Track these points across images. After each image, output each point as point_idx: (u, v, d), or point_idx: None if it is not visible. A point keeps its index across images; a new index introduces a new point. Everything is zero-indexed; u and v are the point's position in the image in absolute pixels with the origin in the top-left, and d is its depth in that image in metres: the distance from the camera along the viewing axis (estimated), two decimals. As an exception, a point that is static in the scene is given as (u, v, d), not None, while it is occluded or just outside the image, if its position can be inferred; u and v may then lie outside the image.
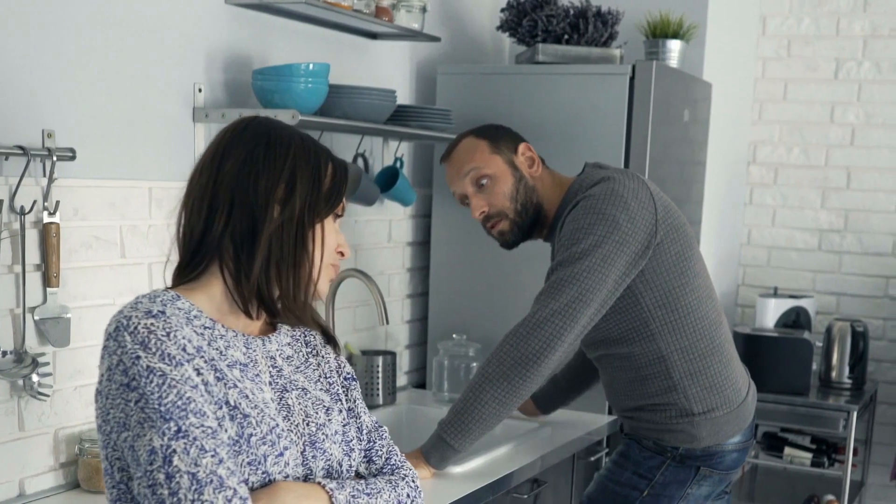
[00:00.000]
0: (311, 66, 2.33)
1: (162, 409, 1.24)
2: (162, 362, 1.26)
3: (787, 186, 4.22)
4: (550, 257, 2.49)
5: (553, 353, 2.14)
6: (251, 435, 1.32)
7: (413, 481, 1.53)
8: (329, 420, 1.46)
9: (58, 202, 1.99)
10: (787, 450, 3.79)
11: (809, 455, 3.76)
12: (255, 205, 1.36)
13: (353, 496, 1.41)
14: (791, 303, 3.93)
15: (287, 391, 1.44)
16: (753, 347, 3.56)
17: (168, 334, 1.28)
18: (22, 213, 1.93)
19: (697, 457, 2.28)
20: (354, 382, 1.56)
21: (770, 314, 3.90)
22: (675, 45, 3.20)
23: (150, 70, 2.20)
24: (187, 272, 1.40)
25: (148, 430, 1.24)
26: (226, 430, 1.30)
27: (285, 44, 2.58)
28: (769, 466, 4.03)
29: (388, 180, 2.92)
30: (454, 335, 3.00)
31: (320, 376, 1.51)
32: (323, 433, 1.44)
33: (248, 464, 1.31)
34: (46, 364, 1.99)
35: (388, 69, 3.02)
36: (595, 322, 2.19)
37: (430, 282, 3.22)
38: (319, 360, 1.52)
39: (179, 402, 1.25)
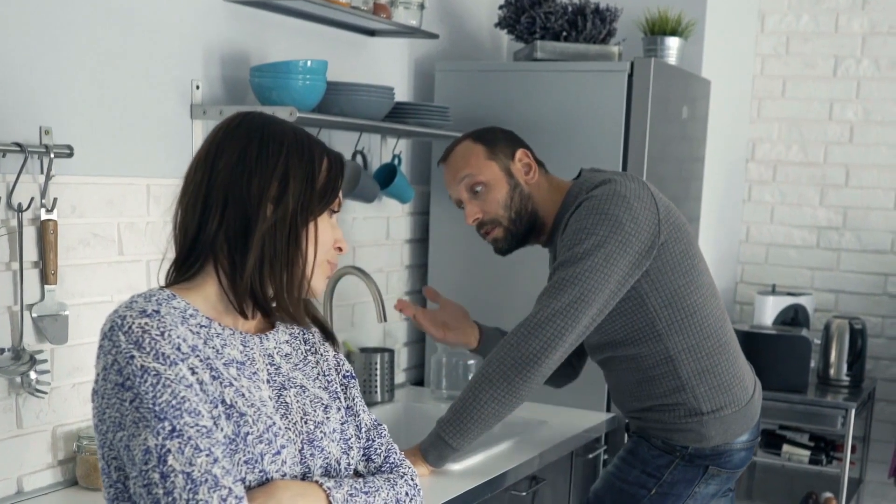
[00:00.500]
0: (308, 62, 2.33)
1: (156, 408, 1.24)
2: (156, 362, 1.26)
3: (785, 184, 4.22)
4: (550, 264, 2.48)
5: (554, 354, 2.13)
6: (248, 433, 1.32)
7: (412, 479, 1.53)
8: (327, 418, 1.45)
9: (55, 199, 1.99)
10: (786, 447, 3.79)
11: (808, 452, 3.76)
12: (248, 204, 1.35)
13: (350, 495, 1.40)
14: (789, 300, 3.93)
15: (285, 389, 1.43)
16: (752, 345, 3.55)
17: (162, 333, 1.28)
18: (19, 210, 1.93)
19: (706, 456, 2.28)
20: (353, 380, 1.55)
21: (768, 312, 3.90)
22: (673, 42, 3.20)
23: (147, 67, 2.20)
24: (183, 271, 1.40)
25: (143, 430, 1.24)
26: (221, 429, 1.29)
27: (283, 40, 2.58)
28: (767, 464, 4.03)
29: (386, 177, 2.91)
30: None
31: (319, 374, 1.50)
32: (321, 431, 1.43)
33: (245, 462, 1.31)
34: (44, 361, 1.98)
35: (386, 66, 3.02)
36: (597, 322, 2.18)
37: (429, 279, 3.22)
38: (318, 358, 1.52)
39: (174, 402, 1.25)
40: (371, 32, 2.89)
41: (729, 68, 3.85)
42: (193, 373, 1.29)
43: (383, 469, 1.53)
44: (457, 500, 2.12)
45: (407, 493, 1.49)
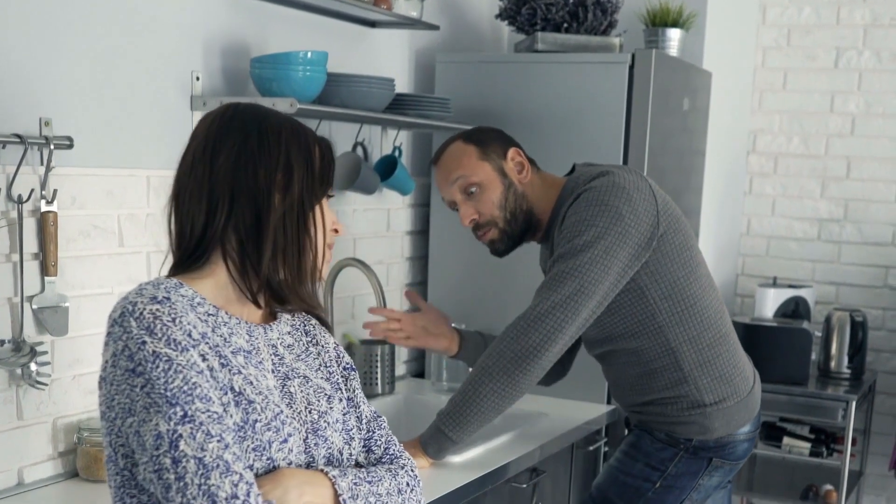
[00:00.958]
0: (309, 54, 2.32)
1: (168, 394, 1.24)
2: (168, 347, 1.26)
3: (786, 176, 4.21)
4: (541, 258, 2.47)
5: (553, 347, 2.13)
6: (256, 421, 1.32)
7: (412, 470, 1.53)
8: (330, 408, 1.46)
9: (55, 191, 1.98)
10: (786, 439, 3.79)
11: (808, 445, 3.76)
12: (257, 195, 1.36)
13: (355, 483, 1.41)
14: (790, 292, 3.92)
15: (289, 379, 1.44)
16: (752, 337, 3.56)
17: (174, 320, 1.28)
18: (19, 201, 1.92)
19: (710, 448, 2.28)
20: (354, 372, 1.56)
21: (769, 304, 3.90)
22: (674, 34, 3.19)
23: (147, 58, 2.19)
24: (188, 265, 1.40)
25: (154, 415, 1.24)
26: (231, 416, 1.30)
27: (283, 32, 2.57)
28: (768, 456, 4.03)
29: (386, 169, 2.91)
30: (453, 325, 3.00)
31: (321, 365, 1.51)
32: (325, 421, 1.44)
33: (253, 450, 1.32)
34: (45, 353, 1.98)
35: (387, 57, 3.01)
36: (597, 315, 2.18)
37: (429, 271, 3.21)
38: (319, 350, 1.53)
39: (185, 388, 1.25)
40: (372, 24, 2.88)
41: (730, 60, 3.84)
42: (204, 359, 1.30)
43: (383, 460, 1.54)
44: (457, 492, 2.12)
45: (408, 484, 1.50)
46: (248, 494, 1.24)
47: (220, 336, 1.36)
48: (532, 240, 2.40)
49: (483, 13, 3.45)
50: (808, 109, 4.15)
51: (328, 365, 1.52)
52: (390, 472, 1.49)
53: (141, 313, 1.27)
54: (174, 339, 1.27)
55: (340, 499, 1.38)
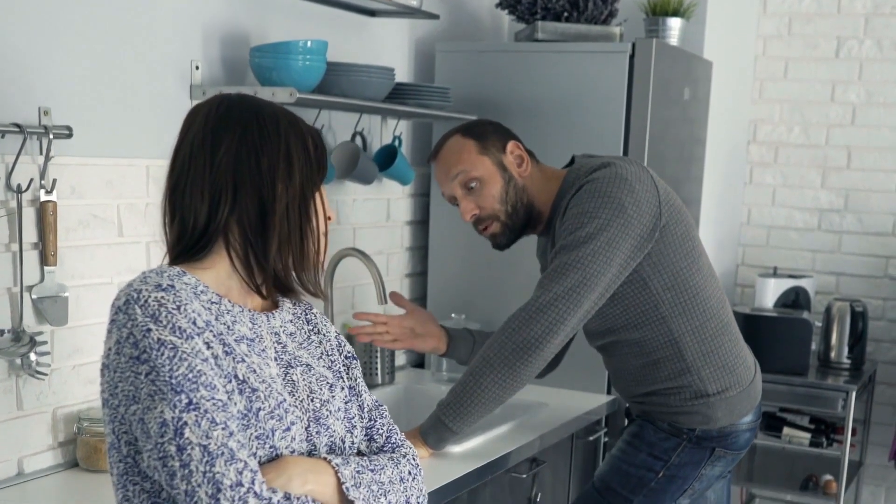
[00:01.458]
0: (308, 43, 2.32)
1: (173, 381, 1.24)
2: (173, 335, 1.26)
3: (787, 166, 4.21)
4: (538, 250, 2.47)
5: (555, 338, 2.13)
6: (259, 409, 1.33)
7: (413, 459, 1.54)
8: (332, 397, 1.47)
9: (55, 180, 1.98)
10: (786, 430, 3.79)
11: (808, 435, 3.76)
12: (261, 185, 1.37)
13: (357, 472, 1.41)
14: (790, 283, 3.92)
15: (292, 367, 1.44)
16: (753, 327, 3.56)
17: (178, 307, 1.28)
18: (19, 191, 1.92)
19: (713, 437, 2.28)
20: (355, 361, 1.57)
21: (769, 294, 3.89)
22: (675, 23, 3.18)
23: (147, 47, 2.18)
24: (189, 255, 1.40)
25: (159, 403, 1.24)
26: (235, 404, 1.30)
27: (283, 21, 2.56)
28: (768, 446, 4.03)
29: (386, 159, 2.90)
30: (453, 315, 3.00)
31: (322, 353, 1.52)
32: (327, 409, 1.44)
33: (256, 438, 1.32)
34: (44, 343, 1.98)
35: (387, 47, 3.00)
36: (598, 306, 2.18)
37: (429, 261, 3.21)
38: (321, 338, 1.53)
39: (190, 375, 1.25)
40: (371, 13, 2.88)
41: (731, 49, 3.83)
42: (208, 347, 1.30)
43: (385, 449, 1.54)
44: (457, 482, 2.12)
45: (410, 472, 1.50)
46: (252, 482, 1.25)
47: (224, 324, 1.36)
48: (533, 233, 2.39)
49: (483, 2, 3.44)
50: (809, 99, 4.14)
51: (330, 353, 1.53)
52: (392, 460, 1.49)
53: (146, 301, 1.27)
54: (179, 327, 1.27)
55: (343, 487, 1.38)
